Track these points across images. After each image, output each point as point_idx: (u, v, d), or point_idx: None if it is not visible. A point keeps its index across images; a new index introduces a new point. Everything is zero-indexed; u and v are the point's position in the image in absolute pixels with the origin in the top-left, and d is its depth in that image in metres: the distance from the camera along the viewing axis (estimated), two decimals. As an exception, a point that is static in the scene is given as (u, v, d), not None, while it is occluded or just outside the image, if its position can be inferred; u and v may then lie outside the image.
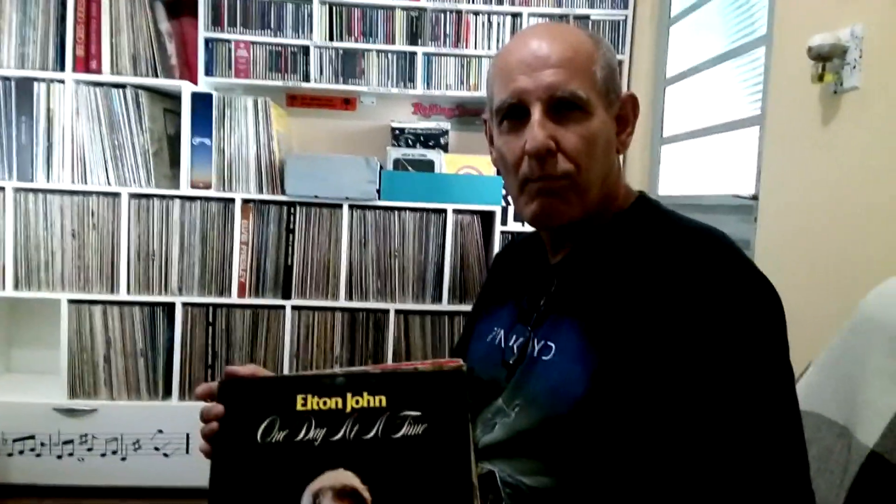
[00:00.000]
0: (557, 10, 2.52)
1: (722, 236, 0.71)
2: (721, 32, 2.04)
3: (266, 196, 2.24)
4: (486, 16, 2.52)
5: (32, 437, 2.17)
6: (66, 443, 2.18)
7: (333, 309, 2.30)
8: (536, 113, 0.73)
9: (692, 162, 2.22)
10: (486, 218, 2.37)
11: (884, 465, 0.68)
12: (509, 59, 0.76)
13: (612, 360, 0.67)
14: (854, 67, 1.22)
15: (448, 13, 2.51)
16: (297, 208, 2.26)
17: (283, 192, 2.24)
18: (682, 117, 2.30)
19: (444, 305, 2.32)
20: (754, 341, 0.64)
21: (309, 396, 0.68)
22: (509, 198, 2.37)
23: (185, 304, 2.22)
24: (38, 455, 2.17)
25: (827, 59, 1.25)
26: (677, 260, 0.68)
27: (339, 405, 0.68)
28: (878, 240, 1.17)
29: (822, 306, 1.29)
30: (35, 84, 2.16)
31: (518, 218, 2.43)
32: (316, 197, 2.25)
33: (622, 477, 0.66)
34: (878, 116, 1.19)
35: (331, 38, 2.48)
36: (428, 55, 2.51)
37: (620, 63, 2.51)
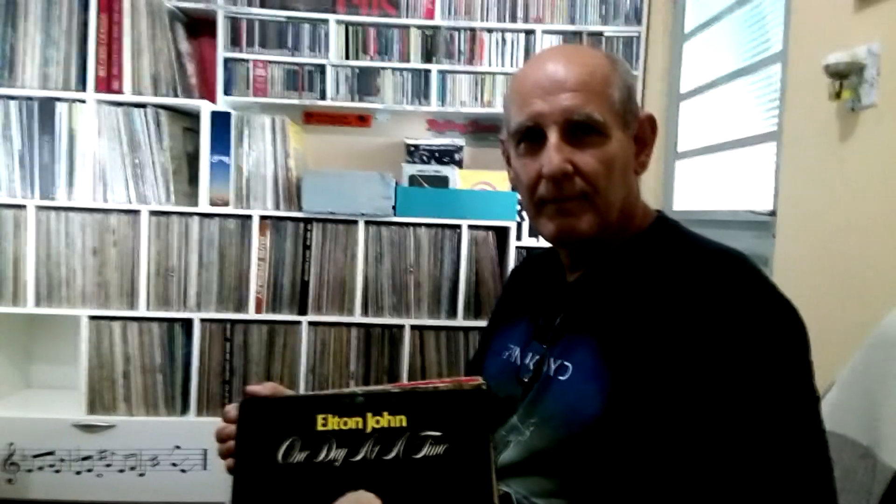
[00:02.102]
0: (571, 27, 2.53)
1: (744, 259, 0.71)
2: (735, 49, 2.04)
3: (283, 213, 2.27)
4: (500, 33, 2.55)
5: (52, 454, 2.19)
6: (84, 458, 2.19)
7: (349, 325, 2.31)
8: (553, 136, 0.73)
9: (707, 177, 2.21)
10: (501, 233, 2.37)
11: (909, 487, 0.67)
12: (525, 82, 0.77)
13: (628, 381, 0.67)
14: (871, 85, 1.21)
15: (462, 31, 2.53)
16: (314, 224, 2.28)
17: (300, 209, 2.26)
18: (696, 133, 2.30)
19: (460, 321, 2.32)
20: (776, 365, 0.63)
21: (329, 416, 0.68)
22: (524, 213, 2.38)
23: (202, 320, 2.24)
24: (58, 471, 2.18)
25: (844, 76, 1.25)
26: (697, 281, 0.68)
27: (360, 425, 0.67)
28: (899, 257, 1.16)
29: (843, 323, 1.27)
30: (57, 104, 2.20)
31: (533, 233, 2.43)
32: (332, 213, 2.27)
33: (636, 499, 0.66)
34: (895, 133, 1.18)
35: (346, 57, 2.51)
36: (442, 72, 2.53)
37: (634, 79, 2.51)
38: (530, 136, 0.76)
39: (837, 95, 1.26)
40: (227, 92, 2.47)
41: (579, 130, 0.74)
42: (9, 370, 2.37)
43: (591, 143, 0.74)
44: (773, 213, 1.60)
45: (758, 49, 1.88)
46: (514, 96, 0.79)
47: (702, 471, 0.62)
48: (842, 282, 1.32)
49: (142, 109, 2.22)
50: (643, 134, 0.81)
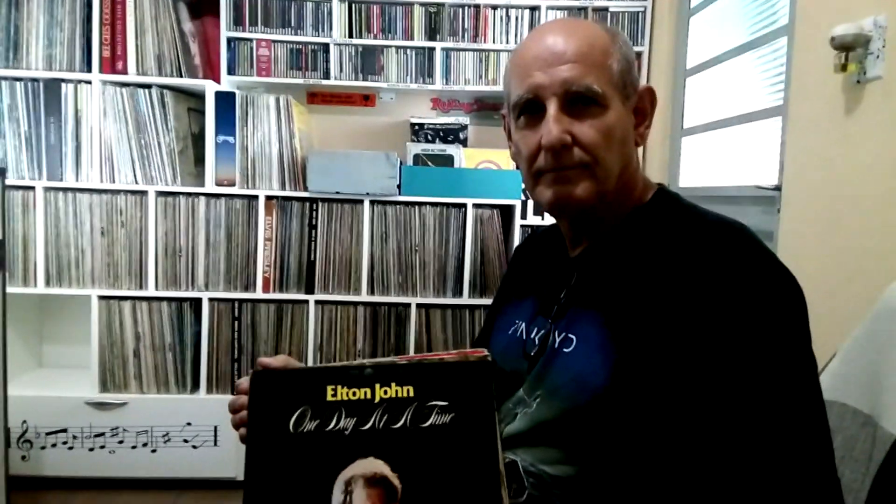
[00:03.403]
0: (576, 3, 2.51)
1: (743, 228, 0.72)
2: (742, 23, 2.02)
3: (289, 192, 2.28)
4: (505, 10, 2.52)
5: (65, 431, 2.23)
6: (97, 435, 2.23)
7: (356, 303, 2.33)
8: (552, 108, 0.74)
9: (713, 153, 2.20)
10: (506, 212, 2.38)
11: (908, 453, 0.68)
12: (525, 55, 0.77)
13: (632, 352, 0.68)
14: (877, 57, 1.20)
15: (466, 8, 2.51)
16: (319, 204, 2.29)
17: (306, 189, 2.27)
18: (702, 108, 2.29)
19: (465, 299, 2.34)
20: (776, 333, 0.64)
21: (338, 387, 0.69)
22: (528, 194, 2.38)
23: (211, 300, 2.27)
24: (71, 448, 2.23)
25: (850, 48, 1.24)
26: (698, 253, 0.69)
27: (368, 395, 0.69)
28: (903, 230, 1.16)
29: (847, 296, 1.28)
30: (63, 85, 2.21)
31: (538, 211, 2.43)
32: (337, 193, 2.27)
33: (643, 466, 0.67)
34: (902, 106, 1.17)
35: (350, 35, 2.50)
36: (446, 50, 2.51)
37: (639, 54, 2.49)
38: (530, 109, 0.77)
39: (843, 68, 1.25)
40: (230, 72, 2.46)
41: (579, 102, 0.74)
42: (21, 350, 2.41)
43: (590, 114, 0.74)
44: (778, 188, 1.60)
45: (764, 23, 1.87)
46: (514, 69, 0.79)
47: (703, 438, 0.64)
48: (847, 255, 1.32)
49: (147, 90, 2.22)
50: (643, 106, 0.81)
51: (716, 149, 2.18)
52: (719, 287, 0.66)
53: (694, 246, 0.70)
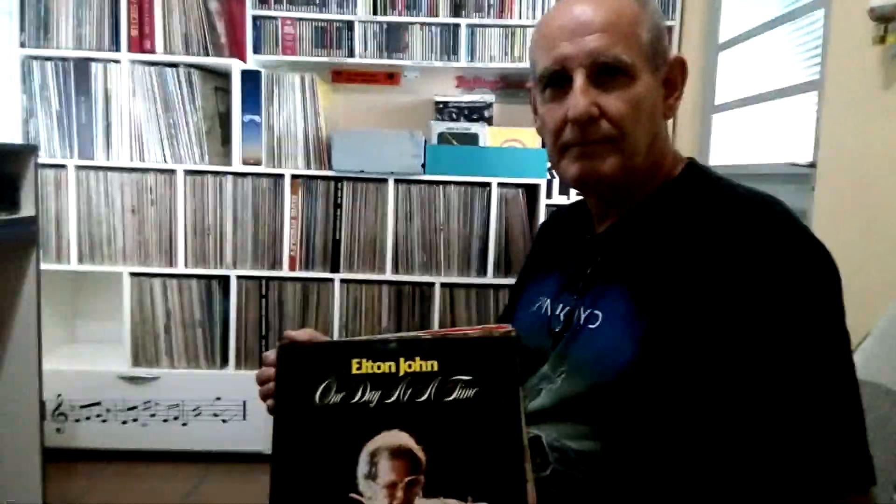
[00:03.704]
0: (604, -23, 2.45)
1: (775, 202, 0.70)
2: (777, -5, 1.96)
3: (314, 171, 2.29)
4: (531, -15, 2.48)
5: (98, 404, 2.29)
6: (129, 409, 2.29)
7: (380, 282, 2.34)
8: (579, 79, 0.72)
9: (745, 130, 2.15)
10: (531, 191, 2.36)
11: (943, 434, 0.67)
12: (551, 26, 0.76)
13: (661, 325, 0.67)
14: (920, 27, 1.16)
15: (492, -17, 2.47)
16: (344, 183, 2.30)
17: (331, 168, 2.28)
18: (735, 84, 2.23)
19: (489, 278, 2.33)
20: (809, 305, 0.63)
21: (363, 360, 0.70)
22: (553, 169, 2.35)
23: (239, 277, 2.30)
24: (104, 421, 2.29)
25: (889, 19, 1.19)
26: (729, 226, 0.68)
27: (393, 369, 0.69)
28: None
29: (882, 275, 1.25)
30: (92, 64, 2.23)
31: (563, 191, 2.41)
32: (362, 172, 2.28)
33: (670, 440, 0.67)
34: (945, 78, 1.13)
35: (374, 13, 2.48)
36: (471, 27, 2.48)
37: (670, 29, 2.44)
38: (556, 81, 0.75)
39: (882, 40, 1.20)
40: (256, 50, 2.47)
41: (606, 73, 0.72)
42: (56, 325, 2.47)
43: (618, 85, 0.73)
44: (812, 165, 1.56)
45: (801, -6, 1.81)
46: (540, 40, 0.78)
47: (734, 412, 0.63)
48: (882, 234, 1.28)
49: (174, 69, 2.24)
50: (673, 77, 0.79)
51: (748, 125, 2.13)
52: (751, 260, 0.64)
53: (725, 219, 0.69)
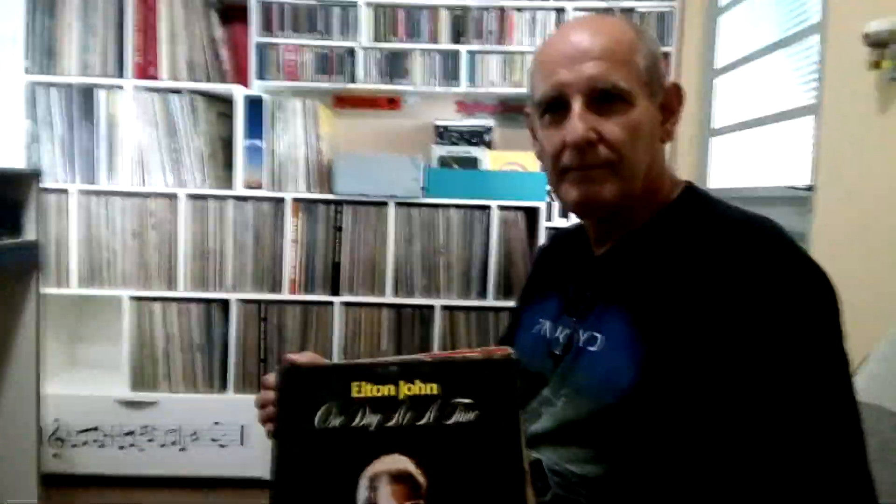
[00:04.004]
0: (602, 4, 2.50)
1: (772, 225, 0.70)
2: (772, 21, 1.99)
3: (315, 195, 2.30)
4: (530, 11, 2.52)
5: (96, 429, 2.26)
6: (127, 434, 2.27)
7: (380, 305, 2.34)
8: (577, 105, 0.73)
9: (743, 154, 2.17)
10: (531, 214, 2.37)
11: (947, 457, 0.66)
12: (550, 53, 0.77)
13: (661, 348, 0.67)
14: (913, 53, 1.18)
15: (491, 10, 2.51)
16: (345, 206, 2.31)
17: (331, 191, 2.29)
18: (732, 109, 2.26)
19: (490, 301, 2.33)
20: (808, 328, 0.63)
21: (363, 384, 0.69)
22: (553, 193, 2.37)
23: (239, 301, 2.30)
24: (102, 446, 2.26)
25: (884, 45, 1.21)
26: (727, 249, 0.68)
27: (393, 392, 0.69)
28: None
29: (881, 298, 1.25)
30: (96, 91, 2.26)
31: (563, 214, 2.42)
32: (363, 195, 2.29)
33: (672, 463, 0.66)
34: (940, 102, 1.14)
35: (376, 39, 2.52)
36: (472, 53, 2.52)
37: (668, 55, 2.47)
38: (554, 107, 0.76)
39: (877, 65, 1.22)
40: (259, 76, 2.50)
41: (604, 99, 0.73)
42: (55, 349, 2.46)
43: (616, 111, 0.73)
44: (810, 188, 1.57)
45: (795, 20, 1.84)
46: (539, 67, 0.79)
47: (735, 435, 0.63)
48: (882, 256, 1.29)
49: (178, 95, 2.27)
50: (669, 102, 0.80)
51: (746, 149, 2.14)
52: (750, 283, 0.65)
53: (723, 243, 0.69)
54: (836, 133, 1.48)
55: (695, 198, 0.79)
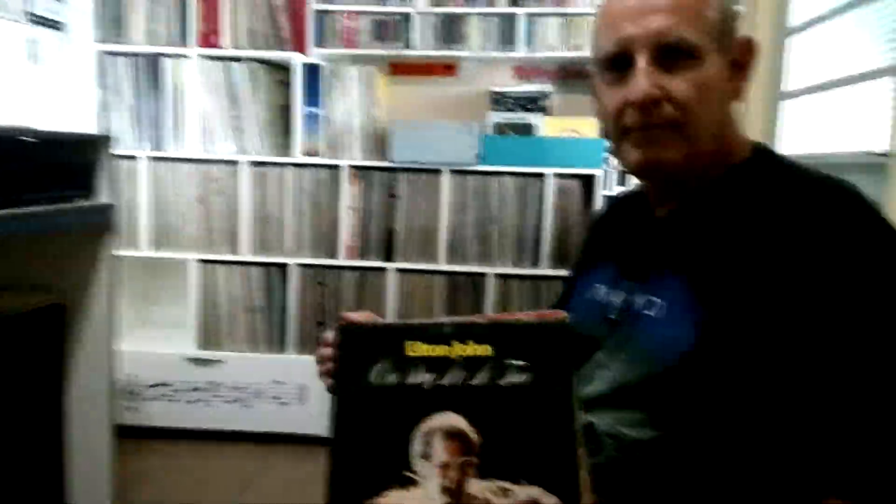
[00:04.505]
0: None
1: (850, 186, 0.67)
2: (854, -25, 1.86)
3: (371, 162, 2.32)
4: (591, -29, 2.43)
5: (166, 384, 2.39)
6: (195, 389, 2.39)
7: (434, 272, 2.36)
8: (642, 61, 0.70)
9: (817, 118, 2.06)
10: (587, 181, 2.32)
11: None
12: (614, 5, 0.74)
13: (721, 312, 0.66)
14: None
15: (551, -29, 2.44)
16: (400, 174, 2.32)
17: (388, 159, 2.30)
18: (806, 70, 2.14)
19: (543, 270, 2.32)
20: (881, 295, 0.61)
21: (417, 343, 0.70)
22: (611, 158, 2.32)
23: (297, 265, 2.36)
24: (171, 400, 2.39)
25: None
26: (799, 209, 0.65)
27: (446, 352, 0.70)
28: None
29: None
30: (163, 59, 2.33)
31: (621, 181, 2.36)
32: (420, 163, 2.29)
33: (728, 429, 0.65)
34: None
35: (432, 4, 2.49)
36: (529, 16, 2.46)
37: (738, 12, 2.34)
38: (618, 64, 0.73)
39: (972, 19, 1.13)
40: (317, 44, 2.52)
41: (671, 54, 0.70)
42: (128, 309, 2.59)
43: (684, 67, 0.70)
44: (887, 154, 1.48)
45: (880, -26, 1.71)
46: (602, 21, 0.76)
47: (796, 401, 0.61)
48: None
49: (239, 63, 2.31)
50: (742, 58, 0.75)
51: (820, 113, 2.03)
52: (819, 247, 0.62)
53: (795, 203, 0.66)
54: (921, 95, 1.38)
55: (766, 158, 0.76)
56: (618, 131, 0.76)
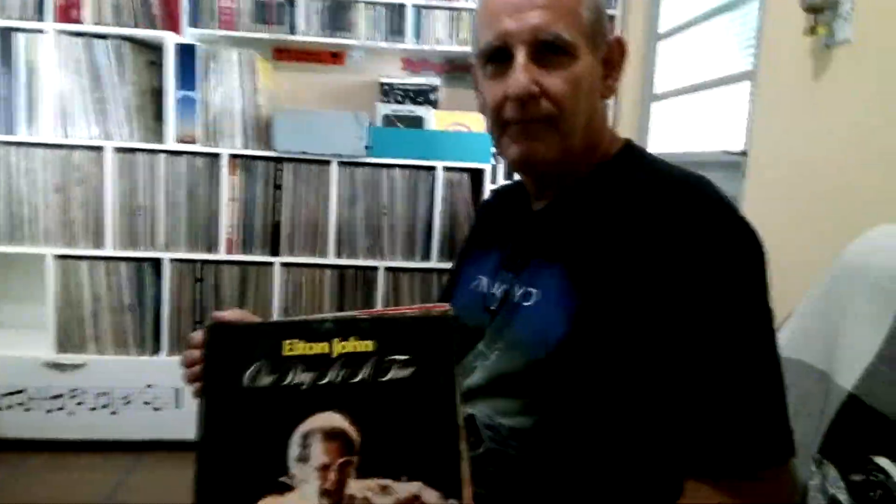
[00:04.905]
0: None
1: (706, 182, 0.71)
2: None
3: (253, 151, 2.22)
4: (478, -32, 2.47)
5: (22, 392, 2.17)
6: (55, 397, 2.18)
7: (322, 266, 2.30)
8: (520, 56, 0.72)
9: (683, 119, 2.21)
10: (476, 175, 2.36)
11: (861, 406, 0.70)
12: (495, 0, 0.75)
13: (593, 302, 0.68)
14: (846, 20, 1.20)
15: (438, -36, 2.45)
16: (285, 164, 2.24)
17: (271, 148, 2.21)
18: (673, 73, 2.28)
19: (434, 263, 2.32)
20: (734, 282, 0.65)
21: (296, 342, 0.68)
22: (494, 147, 2.36)
23: (172, 260, 2.21)
24: (28, 409, 2.18)
25: (819, 11, 1.24)
26: (660, 205, 0.69)
27: (326, 350, 0.67)
28: (864, 192, 1.18)
29: (809, 259, 1.30)
30: (15, 35, 2.10)
31: (509, 175, 2.42)
32: (304, 153, 2.22)
33: (601, 415, 0.68)
34: (868, 70, 1.18)
35: (318, -10, 2.42)
36: (418, 7, 2.45)
37: (612, 18, 2.47)
38: (498, 57, 0.75)
39: (812, 31, 1.25)
40: (192, 24, 2.37)
41: (548, 50, 0.72)
42: (-26, 310, 2.33)
43: (560, 63, 0.73)
44: (744, 153, 1.61)
45: (738, -13, 1.86)
46: (483, 14, 0.77)
47: (660, 387, 0.64)
48: (810, 217, 1.34)
49: (103, 41, 2.12)
50: (612, 57, 0.79)
51: (685, 114, 2.18)
52: (679, 238, 0.65)
53: (657, 199, 0.70)
54: (771, 99, 1.51)
55: (633, 154, 0.80)
56: (498, 125, 0.77)
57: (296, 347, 0.68)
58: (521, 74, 0.71)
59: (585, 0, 0.74)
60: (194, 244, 2.22)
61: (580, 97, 0.74)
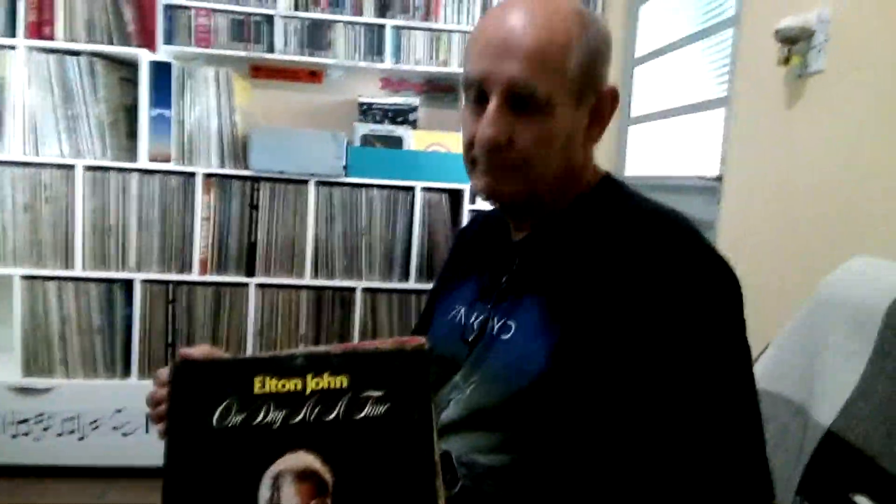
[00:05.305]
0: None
1: (681, 218, 0.71)
2: (691, 13, 2.04)
3: (229, 171, 2.19)
4: (457, -10, 2.48)
5: (-15, 417, 2.10)
6: (21, 422, 2.12)
7: (299, 287, 2.26)
8: (493, 102, 0.71)
9: (660, 143, 2.23)
10: (455, 196, 2.35)
11: (839, 443, 0.69)
12: (485, 33, 0.73)
13: (572, 336, 0.67)
14: (819, 51, 1.23)
15: (418, -15, 2.45)
16: (262, 184, 2.21)
17: (247, 167, 2.19)
18: (650, 98, 2.31)
19: (412, 284, 2.31)
20: (711, 321, 0.64)
21: (267, 378, 0.66)
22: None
23: (144, 281, 2.17)
24: (-8, 435, 2.10)
25: (794, 42, 1.26)
26: (636, 240, 0.68)
27: (299, 387, 0.65)
28: (840, 222, 1.19)
29: (785, 287, 1.31)
30: (-17, 50, 2.05)
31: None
32: (281, 172, 2.20)
33: (579, 451, 0.66)
34: (840, 99, 1.20)
35: (296, 8, 2.41)
36: (397, 28, 2.45)
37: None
38: (477, 94, 0.74)
39: (786, 61, 1.27)
40: (167, 41, 2.34)
41: (522, 101, 0.70)
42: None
43: (532, 116, 0.71)
44: (719, 179, 1.63)
45: (712, 13, 1.89)
46: (473, 44, 0.75)
47: (638, 427, 0.63)
48: (785, 246, 1.35)
49: (75, 57, 2.09)
50: (601, 107, 0.76)
51: (662, 138, 2.20)
52: (656, 274, 0.65)
53: (633, 233, 0.69)
54: (745, 126, 1.53)
55: (610, 188, 0.79)
56: (468, 158, 0.78)
57: (267, 384, 0.66)
58: (488, 124, 0.71)
59: (576, 48, 0.71)
60: (167, 265, 2.18)
61: (550, 152, 0.72)
